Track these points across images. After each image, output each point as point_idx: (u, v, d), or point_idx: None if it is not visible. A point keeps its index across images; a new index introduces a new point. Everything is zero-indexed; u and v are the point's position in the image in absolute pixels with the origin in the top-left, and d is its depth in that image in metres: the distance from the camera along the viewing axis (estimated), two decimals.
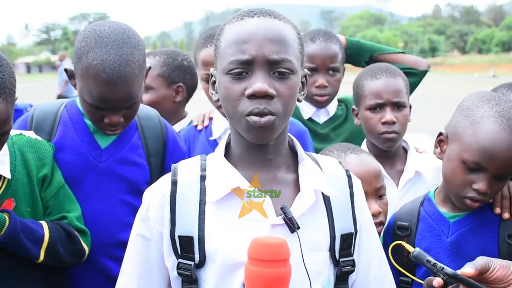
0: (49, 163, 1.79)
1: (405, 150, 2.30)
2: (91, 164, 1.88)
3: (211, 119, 2.45)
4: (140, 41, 1.78)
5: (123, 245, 1.82)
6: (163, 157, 2.01)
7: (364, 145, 2.32)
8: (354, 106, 2.33)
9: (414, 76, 2.63)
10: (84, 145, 1.88)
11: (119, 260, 1.83)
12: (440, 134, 1.75)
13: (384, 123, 2.15)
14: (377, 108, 2.18)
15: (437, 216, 1.75)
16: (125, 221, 1.87)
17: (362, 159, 1.91)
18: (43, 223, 1.72)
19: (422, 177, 2.21)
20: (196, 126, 2.45)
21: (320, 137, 2.58)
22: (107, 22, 1.79)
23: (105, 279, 1.87)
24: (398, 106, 2.17)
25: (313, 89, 2.57)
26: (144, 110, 2.05)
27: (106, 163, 1.89)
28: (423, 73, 2.68)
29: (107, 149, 1.90)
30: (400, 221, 1.82)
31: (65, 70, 1.86)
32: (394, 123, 2.14)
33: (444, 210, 1.75)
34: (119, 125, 1.82)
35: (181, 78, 2.63)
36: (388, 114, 2.15)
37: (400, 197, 2.19)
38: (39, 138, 1.82)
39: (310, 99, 2.61)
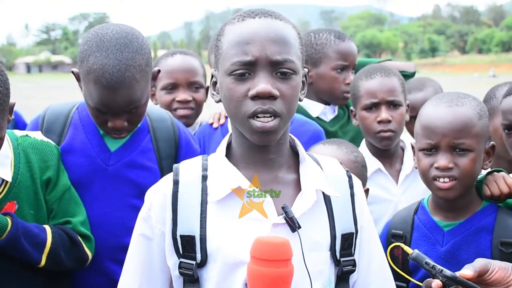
0: (54, 165, 1.77)
1: (403, 150, 2.32)
2: (99, 167, 1.87)
3: (226, 117, 2.44)
4: (144, 45, 1.76)
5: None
6: (176, 160, 1.97)
7: (363, 145, 2.33)
8: (351, 108, 2.35)
9: (406, 77, 2.77)
10: (93, 147, 1.88)
11: (123, 264, 1.84)
12: (412, 147, 1.83)
13: (379, 122, 2.18)
14: (372, 107, 2.21)
15: (431, 224, 1.76)
16: (132, 226, 1.85)
17: (340, 148, 1.90)
18: (47, 227, 1.70)
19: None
20: (211, 124, 2.44)
21: (330, 135, 2.58)
22: (111, 25, 1.77)
23: (110, 283, 1.84)
24: (393, 105, 2.19)
25: (343, 87, 2.57)
26: (157, 112, 2.03)
27: (114, 166, 1.88)
28: (413, 74, 2.87)
29: (116, 152, 1.89)
30: (394, 230, 1.83)
31: (72, 72, 1.85)
32: (389, 121, 2.17)
33: (437, 218, 1.76)
34: (124, 129, 1.81)
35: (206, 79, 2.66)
36: (383, 113, 2.17)
37: (400, 194, 2.21)
38: (45, 139, 1.81)
39: (337, 97, 2.60)
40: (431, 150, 1.67)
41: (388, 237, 1.83)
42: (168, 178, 1.35)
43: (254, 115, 1.22)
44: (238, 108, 1.24)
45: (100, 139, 1.89)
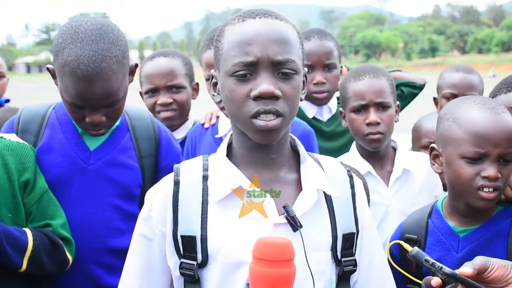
0: (31, 167, 1.72)
1: (395, 150, 2.29)
2: (79, 167, 1.81)
3: (218, 117, 2.45)
4: (119, 37, 1.71)
5: (112, 251, 1.79)
6: (156, 158, 1.94)
7: (353, 147, 2.31)
8: (341, 109, 2.32)
9: (416, 89, 2.80)
10: (72, 147, 1.82)
11: (108, 267, 1.78)
12: (432, 149, 1.74)
13: (368, 124, 2.15)
14: (361, 109, 2.18)
15: (446, 230, 1.71)
16: (115, 226, 1.82)
17: None
18: (27, 230, 1.65)
19: (411, 175, 2.19)
20: (203, 124, 2.44)
21: (326, 135, 2.58)
22: (86, 18, 1.72)
23: (94, 287, 1.81)
24: (382, 106, 2.16)
25: (311, 87, 2.58)
26: (136, 110, 2.00)
27: (94, 165, 1.83)
28: (423, 86, 2.87)
29: (96, 151, 1.84)
30: (408, 234, 1.78)
31: (47, 68, 1.80)
32: (378, 123, 2.14)
33: (453, 223, 1.71)
34: (101, 124, 1.76)
35: (193, 76, 2.66)
36: (372, 115, 2.14)
37: (391, 197, 2.18)
38: (21, 141, 1.76)
39: (309, 97, 2.61)
40: (476, 159, 1.60)
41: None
42: (169, 178, 1.34)
43: (257, 115, 1.22)
44: (240, 109, 1.24)
45: (79, 138, 1.84)
